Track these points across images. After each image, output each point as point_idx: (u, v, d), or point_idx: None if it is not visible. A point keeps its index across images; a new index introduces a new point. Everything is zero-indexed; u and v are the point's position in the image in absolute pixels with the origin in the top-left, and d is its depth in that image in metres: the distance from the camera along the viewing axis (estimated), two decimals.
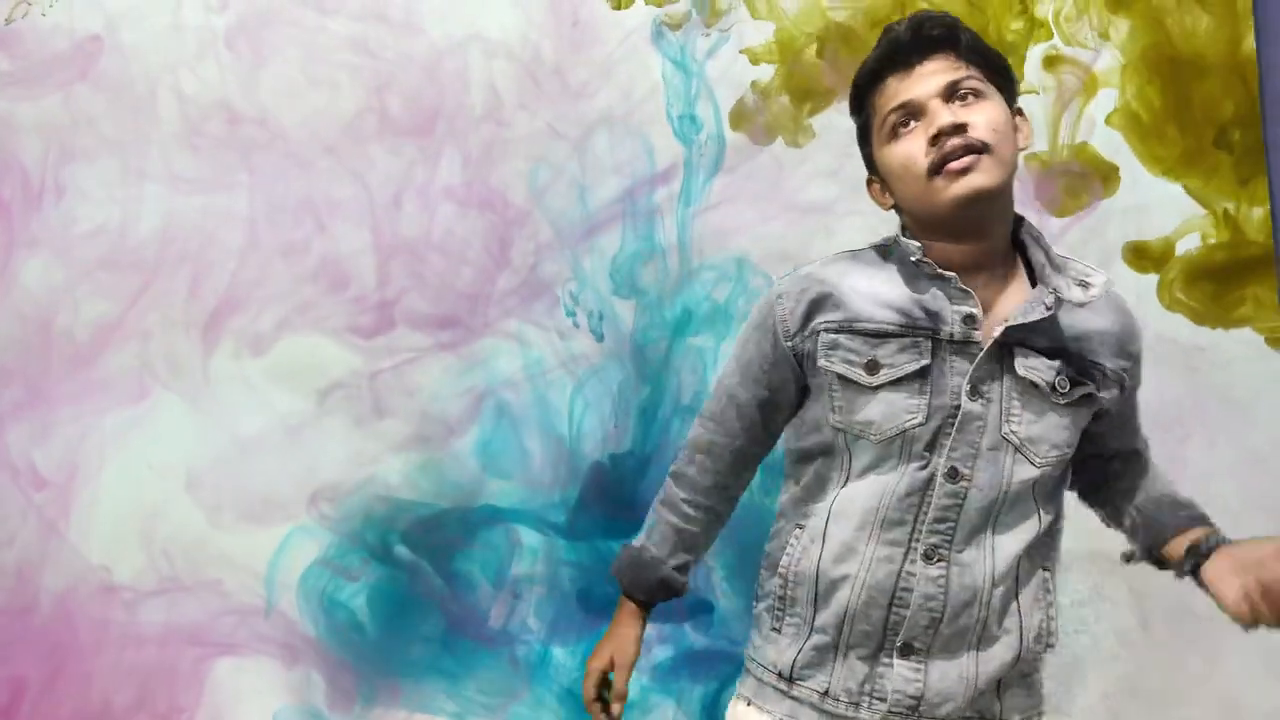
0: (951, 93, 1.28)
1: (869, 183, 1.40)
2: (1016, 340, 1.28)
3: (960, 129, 1.25)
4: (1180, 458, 2.04)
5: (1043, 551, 1.35)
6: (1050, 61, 2.10)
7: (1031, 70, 2.09)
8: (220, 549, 1.96)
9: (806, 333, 1.36)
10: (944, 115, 1.26)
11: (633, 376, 2.02)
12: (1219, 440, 2.06)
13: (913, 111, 1.29)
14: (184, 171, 2.03)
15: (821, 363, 1.35)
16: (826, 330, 1.34)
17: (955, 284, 1.30)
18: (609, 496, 2.00)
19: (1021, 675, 1.34)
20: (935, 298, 1.31)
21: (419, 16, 2.08)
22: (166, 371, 1.99)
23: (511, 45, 2.07)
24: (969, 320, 1.29)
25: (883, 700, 1.31)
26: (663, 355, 2.02)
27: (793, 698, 1.35)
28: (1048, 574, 1.35)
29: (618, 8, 2.06)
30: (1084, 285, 1.29)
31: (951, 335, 1.30)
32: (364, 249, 2.03)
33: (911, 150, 1.29)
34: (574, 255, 2.04)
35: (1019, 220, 1.35)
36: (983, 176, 1.25)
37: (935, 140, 1.26)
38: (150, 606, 1.95)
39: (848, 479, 1.34)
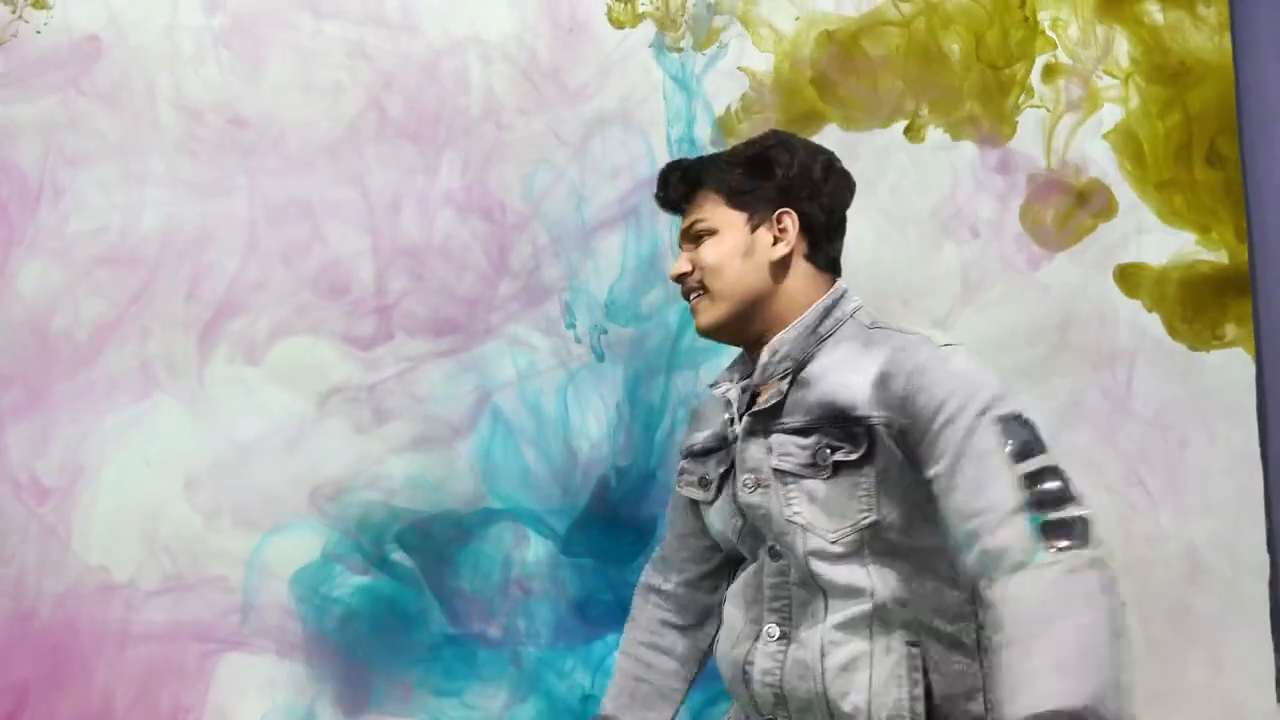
0: (690, 231, 1.42)
1: None
2: (775, 427, 1.34)
3: (680, 278, 1.42)
4: (1180, 460, 2.05)
5: (908, 625, 1.27)
6: (1049, 72, 2.10)
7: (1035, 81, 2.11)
8: (221, 549, 1.95)
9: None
10: (673, 264, 1.43)
11: (634, 382, 2.02)
12: (1218, 441, 2.06)
13: None
14: (182, 175, 2.02)
15: (677, 489, 1.54)
16: (681, 457, 1.53)
17: (719, 392, 1.44)
18: (610, 506, 2.00)
19: None
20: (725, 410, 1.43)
21: (416, 19, 2.07)
22: (166, 373, 1.99)
23: (509, 48, 2.07)
24: (731, 422, 1.41)
25: None
26: (665, 361, 2.02)
27: None
28: (917, 650, 1.26)
29: (619, 26, 2.06)
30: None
31: (731, 438, 1.41)
32: (363, 252, 2.03)
33: None
34: (574, 260, 2.04)
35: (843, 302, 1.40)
36: (702, 316, 1.39)
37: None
38: (151, 606, 1.94)
39: (738, 566, 1.47)
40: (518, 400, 2.01)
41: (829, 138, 2.06)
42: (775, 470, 1.32)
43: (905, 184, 2.07)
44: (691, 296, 1.41)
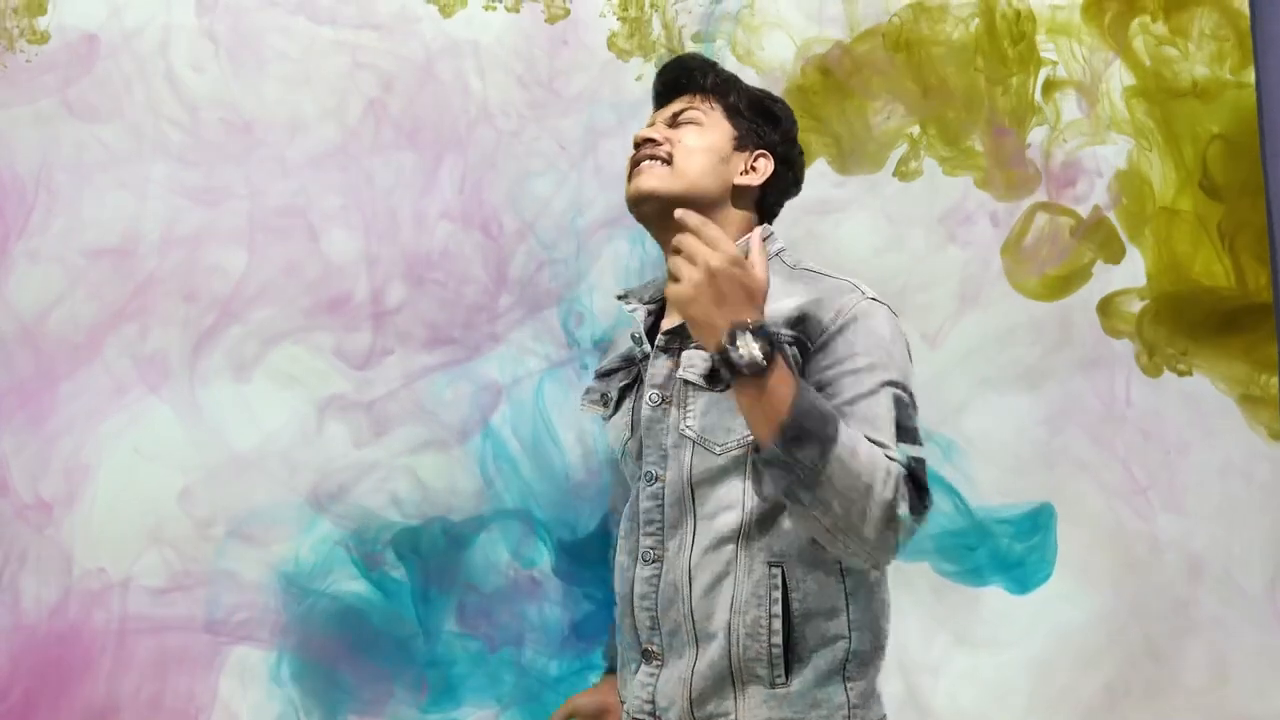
0: (674, 120, 1.46)
1: None
2: (687, 343, 1.40)
3: (650, 141, 1.43)
4: (1177, 465, 2.05)
5: (771, 544, 1.31)
6: (1048, 87, 2.10)
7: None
8: (222, 550, 1.95)
9: None
10: (646, 130, 1.46)
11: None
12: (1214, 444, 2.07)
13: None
14: (179, 181, 2.02)
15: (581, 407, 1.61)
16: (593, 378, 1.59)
17: (625, 307, 1.50)
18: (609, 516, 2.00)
19: (762, 681, 1.29)
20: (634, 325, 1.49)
21: (414, 25, 2.07)
22: (161, 377, 1.98)
23: (505, 57, 2.08)
24: (635, 339, 1.47)
25: (634, 706, 1.39)
26: None
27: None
28: (778, 569, 1.30)
29: (624, 58, 2.07)
30: None
31: (636, 355, 1.47)
32: (361, 260, 2.03)
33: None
34: (573, 270, 2.04)
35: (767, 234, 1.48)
36: (651, 179, 1.41)
37: (636, 148, 1.46)
38: (150, 607, 1.94)
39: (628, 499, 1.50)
40: (517, 410, 2.01)
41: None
42: (682, 381, 1.37)
43: (907, 193, 2.08)
44: (644, 162, 1.43)
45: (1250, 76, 2.08)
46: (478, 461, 1.99)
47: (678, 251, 1.22)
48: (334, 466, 1.98)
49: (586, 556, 1.98)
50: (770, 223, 1.50)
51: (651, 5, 2.08)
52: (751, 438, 1.27)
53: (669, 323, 1.44)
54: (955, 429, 2.02)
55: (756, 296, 1.20)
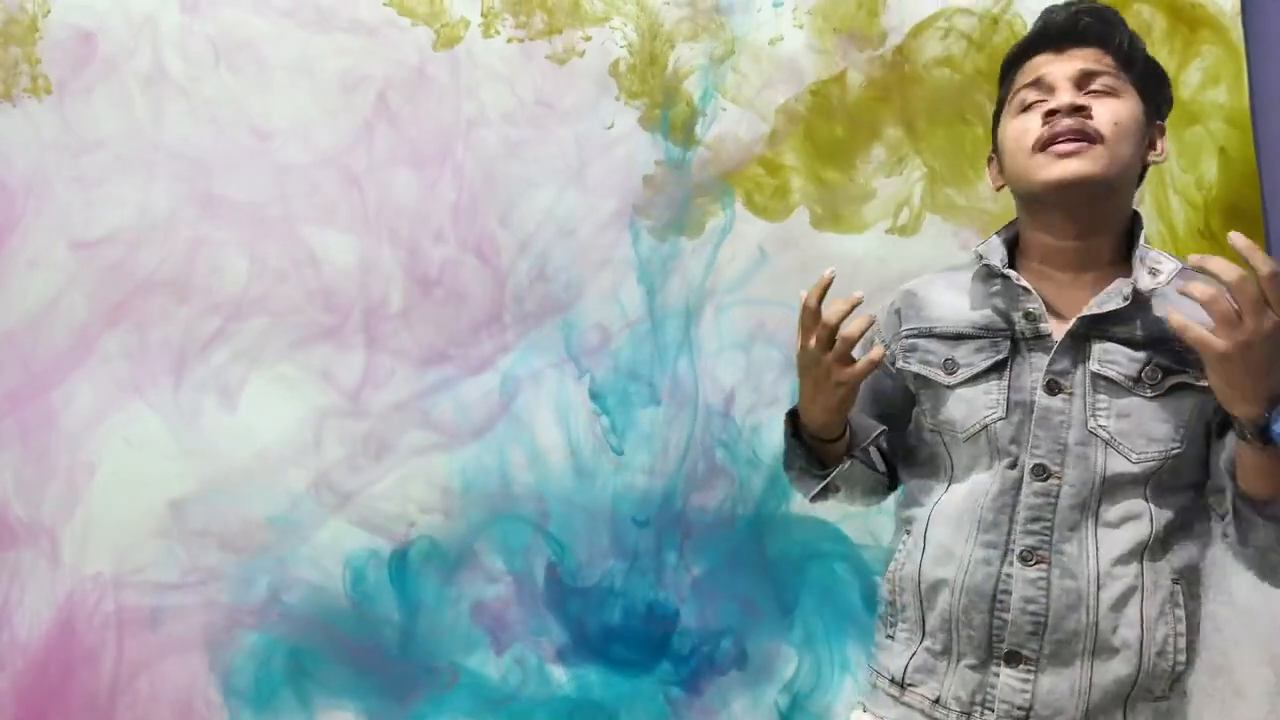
0: (1086, 81, 1.28)
1: (988, 160, 1.41)
2: (1098, 334, 1.26)
3: (1078, 110, 1.25)
4: None
5: (1172, 561, 1.25)
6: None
7: None
8: (223, 552, 1.98)
9: (893, 341, 1.41)
10: (1066, 95, 1.26)
11: (630, 404, 2.02)
12: None
13: (1045, 89, 1.29)
14: (177, 187, 2.04)
15: (899, 364, 1.39)
16: (908, 336, 1.38)
17: (1016, 280, 1.30)
18: (609, 528, 1.99)
19: (1151, 697, 1.25)
20: (1003, 298, 1.32)
21: (410, 38, 2.07)
22: (155, 382, 2.00)
23: (502, 70, 2.08)
24: (1029, 317, 1.29)
25: (991, 710, 1.28)
26: (672, 380, 2.02)
27: (904, 704, 1.33)
28: (1179, 587, 1.25)
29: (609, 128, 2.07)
30: (1153, 272, 1.27)
31: (1024, 333, 1.30)
32: (359, 271, 2.03)
33: (1028, 124, 1.29)
34: (572, 284, 2.04)
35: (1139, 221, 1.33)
36: (1086, 164, 1.24)
37: (1050, 116, 1.26)
38: (150, 607, 1.97)
39: (950, 483, 1.35)
40: (516, 425, 2.01)
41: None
42: (1095, 375, 1.25)
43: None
44: (1071, 142, 1.25)
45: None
46: (479, 469, 2.00)
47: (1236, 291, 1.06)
48: (333, 474, 1.99)
49: (588, 560, 1.98)
50: None
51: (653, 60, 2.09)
52: (1175, 452, 1.23)
53: (1092, 308, 1.27)
54: None
55: None
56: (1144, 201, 1.98)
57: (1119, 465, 1.24)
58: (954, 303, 1.36)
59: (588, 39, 2.06)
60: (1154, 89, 1.30)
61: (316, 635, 1.96)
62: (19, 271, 2.01)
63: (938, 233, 2.00)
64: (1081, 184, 1.24)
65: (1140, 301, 1.25)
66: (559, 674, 1.97)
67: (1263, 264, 1.02)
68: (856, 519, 1.94)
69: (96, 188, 2.03)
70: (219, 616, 1.96)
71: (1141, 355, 1.24)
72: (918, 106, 2.03)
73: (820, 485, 1.41)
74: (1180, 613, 1.24)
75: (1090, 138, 1.24)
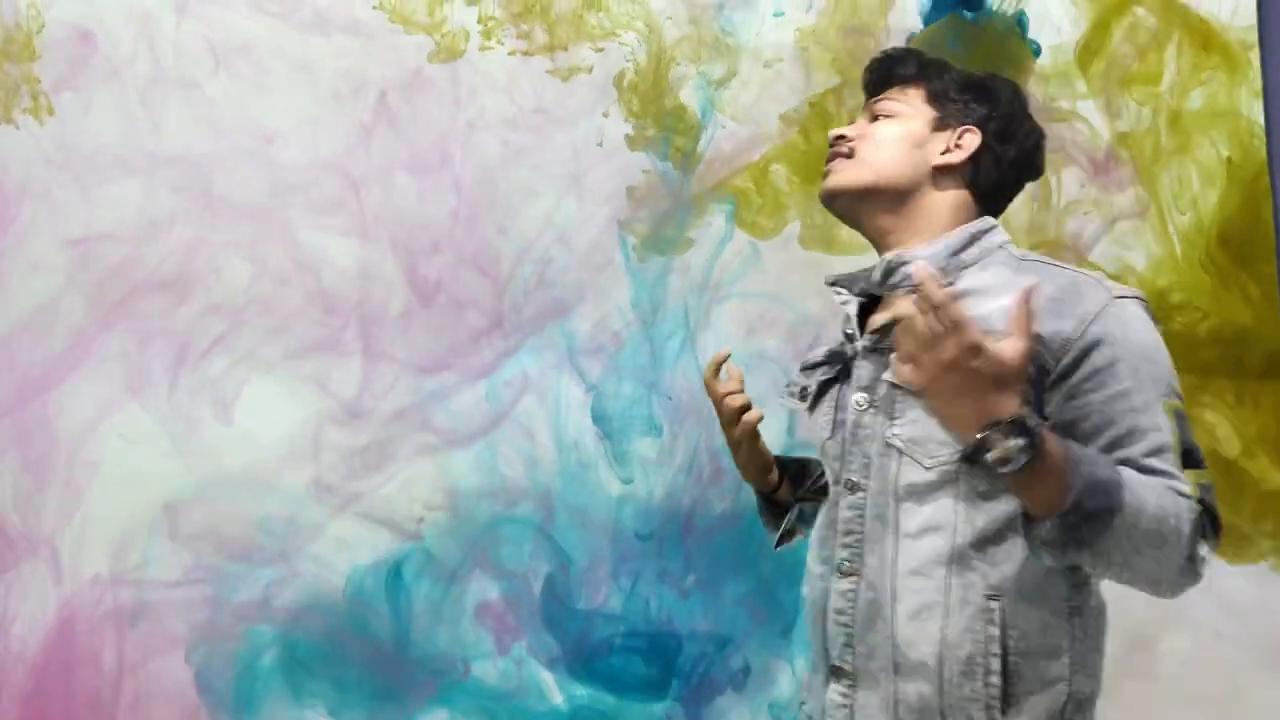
0: (871, 113, 1.38)
1: None
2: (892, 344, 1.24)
3: (838, 139, 1.36)
4: None
5: (988, 576, 1.18)
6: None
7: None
8: (223, 553, 1.99)
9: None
10: (838, 128, 1.39)
11: (629, 412, 2.02)
12: None
13: None
14: (173, 194, 2.05)
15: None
16: (799, 374, 1.45)
17: (841, 304, 1.36)
18: (609, 536, 2.01)
19: (967, 718, 1.17)
20: (841, 317, 1.37)
21: (413, 50, 2.08)
22: (150, 386, 2.02)
23: (499, 77, 2.09)
24: (846, 333, 1.35)
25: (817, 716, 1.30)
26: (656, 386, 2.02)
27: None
28: (998, 604, 1.17)
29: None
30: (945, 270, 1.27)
31: (849, 351, 1.34)
32: (357, 278, 2.05)
33: None
34: (570, 291, 2.05)
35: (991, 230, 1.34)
36: (835, 176, 1.34)
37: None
38: (152, 609, 1.98)
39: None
40: (513, 433, 2.02)
41: None
42: (891, 385, 1.25)
43: None
44: (833, 160, 1.35)
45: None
46: (478, 471, 2.01)
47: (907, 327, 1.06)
48: (334, 476, 2.01)
49: (591, 565, 1.99)
50: (998, 207, 1.37)
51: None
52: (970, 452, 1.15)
53: (880, 319, 1.32)
54: None
55: (1009, 383, 1.03)
56: (1147, 231, 1.96)
57: (914, 474, 1.22)
58: (835, 333, 1.41)
59: (600, 49, 2.08)
60: (957, 100, 1.35)
61: (318, 636, 1.98)
62: (15, 274, 2.02)
63: None
64: (832, 194, 1.34)
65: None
66: (556, 689, 1.97)
67: (934, 294, 1.01)
68: None
69: (94, 190, 2.04)
70: (220, 618, 1.97)
71: None
72: None
73: (776, 533, 1.47)
74: (994, 631, 1.17)
75: (842, 154, 1.34)
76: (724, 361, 1.45)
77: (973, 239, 1.28)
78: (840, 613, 1.26)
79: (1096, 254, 2.02)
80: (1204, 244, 2.02)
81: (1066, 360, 1.16)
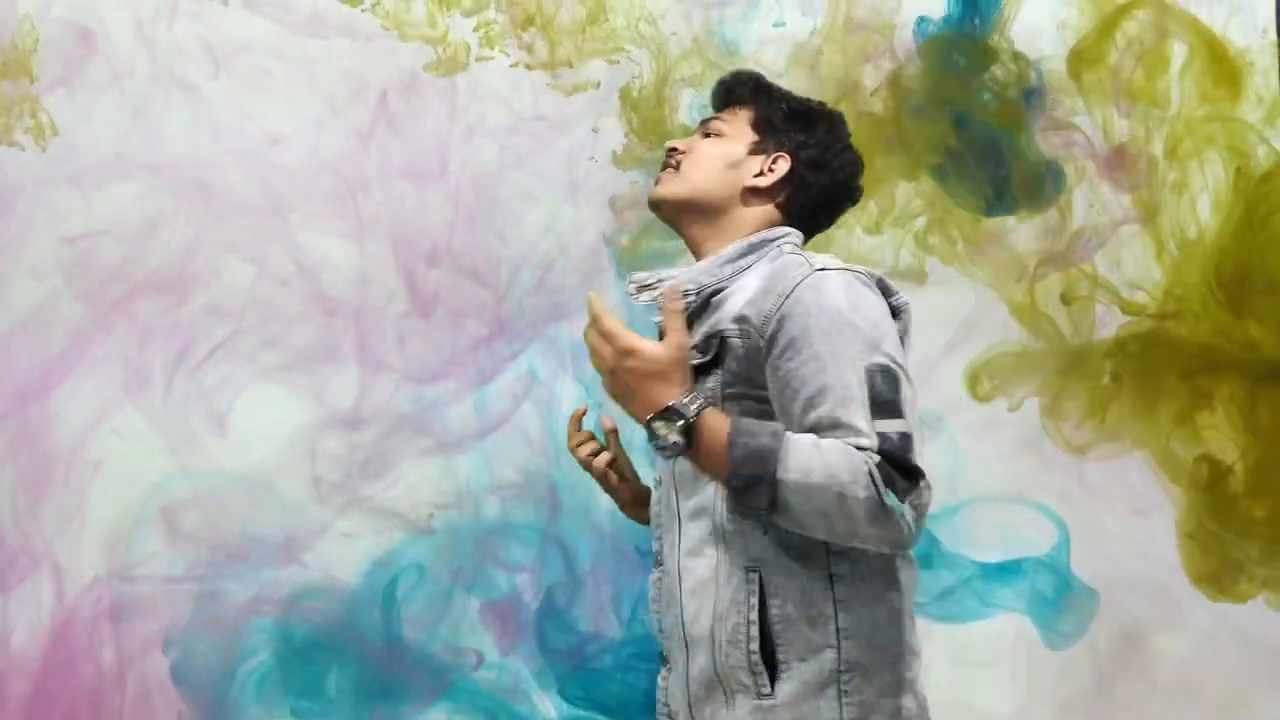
0: (704, 129, 1.49)
1: None
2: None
3: (671, 151, 1.47)
4: None
5: (748, 550, 1.26)
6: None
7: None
8: (223, 556, 1.98)
9: None
10: (672, 140, 1.50)
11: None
12: None
13: None
14: (170, 197, 2.04)
15: None
16: None
17: (641, 298, 1.42)
18: (609, 545, 2.01)
19: (749, 692, 1.23)
20: None
21: (410, 54, 2.08)
22: (149, 390, 2.01)
23: (498, 85, 2.09)
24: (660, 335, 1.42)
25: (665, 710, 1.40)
26: None
27: None
28: (755, 575, 1.25)
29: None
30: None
31: None
32: (354, 287, 2.04)
33: None
34: (567, 300, 2.05)
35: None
36: (659, 187, 1.44)
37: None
38: (150, 611, 1.97)
39: None
40: (508, 443, 2.02)
41: None
42: None
43: None
44: (663, 170, 1.46)
45: None
46: (478, 475, 2.01)
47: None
48: (335, 478, 2.00)
49: (593, 569, 2.00)
50: (815, 225, 1.47)
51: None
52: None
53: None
54: None
55: (662, 376, 1.21)
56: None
57: (683, 464, 1.31)
58: None
59: (614, 62, 2.09)
60: (779, 127, 1.44)
61: (318, 638, 1.97)
62: (12, 275, 2.01)
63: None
64: (656, 203, 1.44)
65: (715, 306, 1.34)
66: (554, 693, 1.98)
67: (591, 311, 1.23)
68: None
69: (91, 192, 2.02)
70: (217, 620, 1.96)
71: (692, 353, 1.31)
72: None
73: None
74: (754, 601, 1.24)
75: (670, 166, 1.45)
76: (580, 417, 1.52)
77: (751, 249, 1.37)
78: (654, 600, 1.39)
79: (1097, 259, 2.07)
80: (1205, 253, 2.06)
81: (768, 335, 1.25)
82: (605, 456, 1.48)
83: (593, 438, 1.50)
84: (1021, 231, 2.08)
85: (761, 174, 1.41)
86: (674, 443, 1.19)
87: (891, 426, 1.19)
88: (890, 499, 1.15)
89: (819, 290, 1.25)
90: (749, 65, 2.03)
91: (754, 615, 1.23)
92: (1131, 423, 2.04)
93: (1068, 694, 2.01)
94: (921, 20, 2.09)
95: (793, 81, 2.04)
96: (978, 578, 2.02)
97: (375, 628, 1.97)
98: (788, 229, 1.41)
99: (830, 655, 1.22)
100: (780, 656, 1.23)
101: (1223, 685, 2.01)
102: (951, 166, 2.08)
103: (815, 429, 1.20)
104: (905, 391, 1.22)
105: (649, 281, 1.40)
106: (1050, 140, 2.09)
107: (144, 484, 1.98)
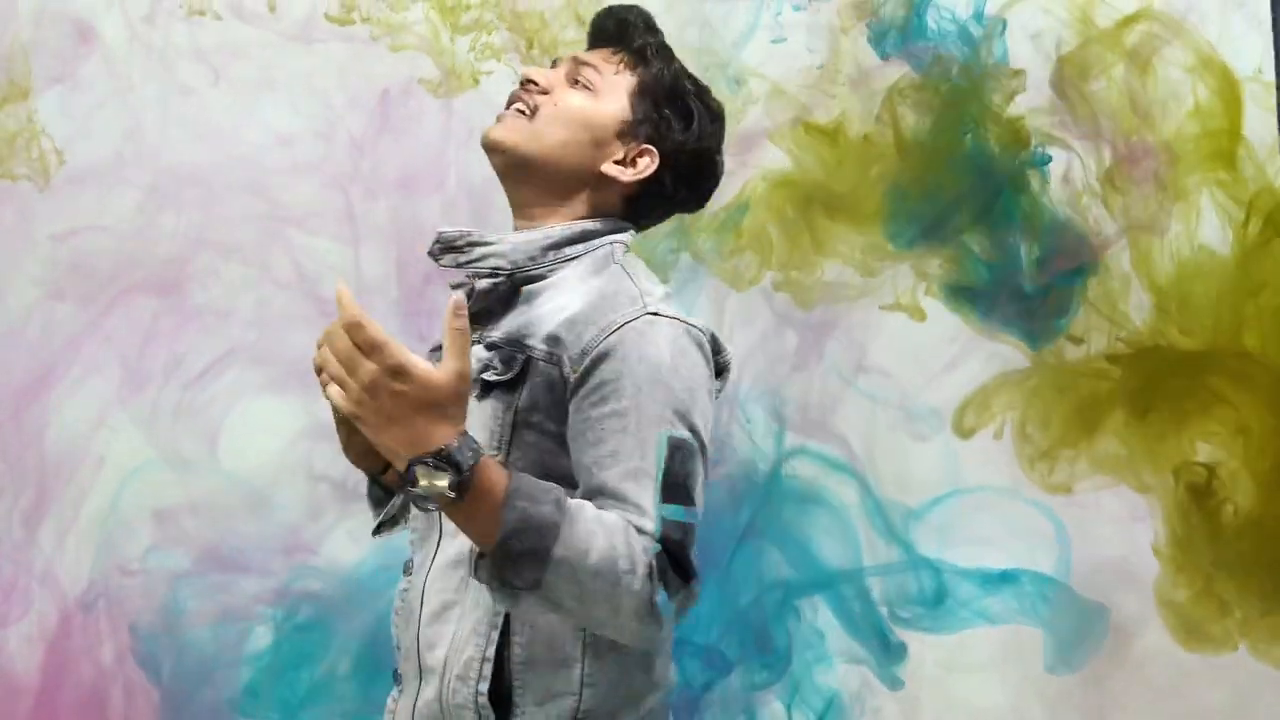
0: (575, 70, 1.25)
1: None
2: (482, 338, 1.19)
3: (528, 83, 1.24)
4: None
5: None
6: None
7: None
8: (223, 557, 1.99)
9: None
10: (532, 69, 1.26)
11: None
12: None
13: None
14: (167, 201, 2.05)
15: None
16: None
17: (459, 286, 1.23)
18: None
19: None
20: None
21: (410, 67, 2.09)
22: (136, 400, 2.02)
23: (496, 96, 2.10)
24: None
25: None
26: None
27: None
28: (502, 609, 1.10)
29: None
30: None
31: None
32: (351, 287, 2.03)
33: None
34: None
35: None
36: (502, 130, 1.22)
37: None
38: (149, 613, 1.98)
39: None
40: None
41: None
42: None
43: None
44: (513, 107, 1.24)
45: None
46: None
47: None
48: (335, 481, 2.00)
49: None
50: (648, 222, 1.30)
51: None
52: (495, 454, 1.11)
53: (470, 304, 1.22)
54: None
55: (438, 409, 0.93)
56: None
57: None
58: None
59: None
60: (658, 109, 1.25)
61: (317, 637, 1.98)
62: (8, 278, 2.03)
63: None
64: (490, 146, 1.22)
65: (526, 298, 1.19)
66: None
67: (349, 311, 0.92)
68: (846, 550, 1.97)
69: (88, 194, 2.04)
70: (215, 622, 1.96)
71: (490, 355, 1.16)
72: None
73: (375, 520, 1.34)
74: (495, 636, 1.11)
75: (521, 106, 1.23)
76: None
77: (581, 237, 1.21)
78: (396, 613, 1.22)
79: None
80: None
81: (580, 370, 1.10)
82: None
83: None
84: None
85: (623, 163, 1.23)
86: (439, 494, 0.93)
87: (679, 514, 1.04)
88: (661, 596, 1.00)
89: (644, 338, 1.09)
90: (748, 80, 2.04)
91: (490, 652, 1.10)
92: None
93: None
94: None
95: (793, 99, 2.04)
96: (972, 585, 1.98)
97: (374, 626, 1.97)
98: (622, 226, 1.25)
99: (569, 703, 1.11)
100: (515, 699, 1.10)
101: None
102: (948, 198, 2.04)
103: (598, 493, 1.04)
104: (699, 471, 1.07)
105: (458, 243, 1.20)
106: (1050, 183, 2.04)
107: (142, 484, 1.98)
